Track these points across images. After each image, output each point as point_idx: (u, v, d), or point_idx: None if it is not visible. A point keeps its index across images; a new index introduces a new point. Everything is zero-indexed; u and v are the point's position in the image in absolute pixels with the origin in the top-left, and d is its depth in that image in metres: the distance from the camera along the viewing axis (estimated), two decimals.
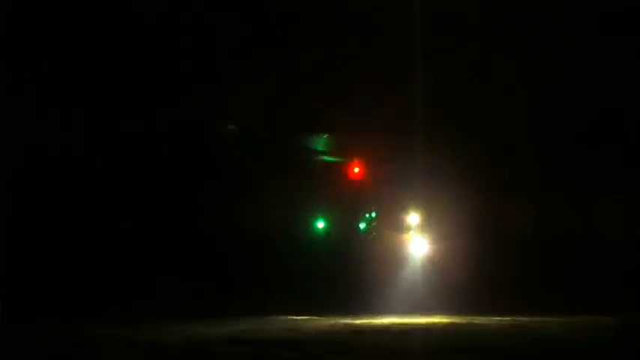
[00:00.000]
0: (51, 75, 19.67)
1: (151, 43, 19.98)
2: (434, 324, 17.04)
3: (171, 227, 20.48)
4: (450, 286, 20.35)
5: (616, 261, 20.67)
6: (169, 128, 20.53)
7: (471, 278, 20.08)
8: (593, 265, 20.66)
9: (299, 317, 18.35)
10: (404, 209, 21.56)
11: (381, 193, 21.72)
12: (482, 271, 20.30)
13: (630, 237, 20.97)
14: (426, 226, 21.46)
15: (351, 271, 20.76)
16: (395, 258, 21.38)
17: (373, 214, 21.78)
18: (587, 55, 20.12)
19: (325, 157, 21.70)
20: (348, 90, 20.71)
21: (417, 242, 21.60)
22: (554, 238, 21.37)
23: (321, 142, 21.67)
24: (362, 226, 21.74)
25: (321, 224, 21.48)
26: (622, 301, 19.11)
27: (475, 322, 17.23)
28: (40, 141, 19.61)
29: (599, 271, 20.52)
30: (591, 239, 21.17)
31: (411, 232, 21.57)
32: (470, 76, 20.36)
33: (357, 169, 21.63)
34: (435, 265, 21.11)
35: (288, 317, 18.18)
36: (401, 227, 21.59)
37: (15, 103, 19.06)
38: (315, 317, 18.46)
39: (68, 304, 18.27)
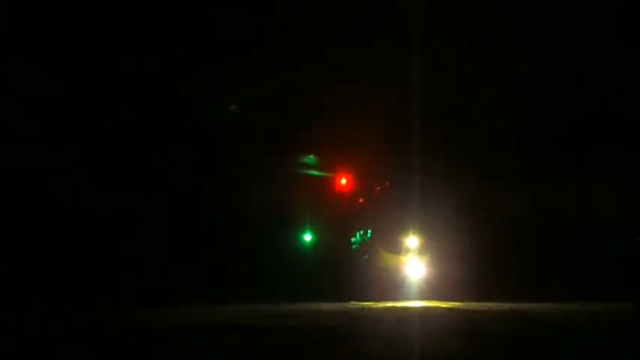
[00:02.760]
0: (52, 64, 19.85)
1: (153, 29, 20.13)
2: (431, 309, 17.11)
3: (170, 213, 20.61)
4: (448, 273, 20.38)
5: (613, 247, 20.75)
6: (169, 113, 20.66)
7: (468, 266, 20.11)
8: (591, 251, 20.72)
9: (296, 304, 18.41)
10: (403, 231, 21.48)
11: (378, 213, 21.71)
12: (480, 258, 20.34)
13: (627, 222, 21.05)
14: (425, 247, 21.35)
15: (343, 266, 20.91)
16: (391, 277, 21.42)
17: (369, 234, 21.75)
18: (581, 44, 20.23)
19: (313, 172, 21.80)
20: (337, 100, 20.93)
21: (414, 263, 21.47)
22: (551, 226, 21.42)
23: (309, 159, 21.78)
24: (353, 240, 21.73)
25: (308, 237, 21.52)
26: (619, 287, 19.20)
27: (472, 308, 17.28)
28: (42, 130, 19.79)
29: (597, 257, 20.59)
30: (589, 225, 21.23)
31: (409, 255, 21.47)
32: (462, 65, 20.44)
33: (344, 181, 21.68)
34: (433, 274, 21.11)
35: (286, 304, 18.23)
36: (398, 249, 21.47)
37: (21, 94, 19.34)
38: (313, 303, 18.50)
39: (69, 290, 18.41)
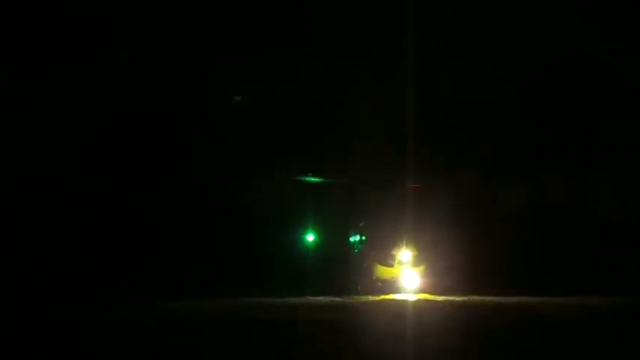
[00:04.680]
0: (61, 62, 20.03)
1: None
2: (430, 303, 16.98)
3: (173, 208, 20.66)
4: (448, 267, 20.22)
5: (613, 240, 20.72)
6: (175, 107, 20.82)
7: (468, 260, 20.00)
8: (591, 247, 20.65)
9: (296, 298, 18.22)
10: (396, 243, 21.32)
11: (371, 223, 21.68)
12: (479, 252, 20.26)
13: (626, 216, 21.06)
14: (419, 259, 21.12)
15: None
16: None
17: (363, 238, 21.68)
18: (582, 35, 20.36)
19: (312, 178, 21.91)
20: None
21: (409, 275, 21.26)
22: (550, 219, 21.38)
23: (309, 178, 21.93)
24: (352, 240, 21.69)
25: (310, 237, 21.48)
26: (620, 281, 19.16)
27: (471, 302, 17.12)
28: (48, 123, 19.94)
29: (597, 252, 20.52)
30: (588, 220, 21.21)
31: (403, 267, 21.27)
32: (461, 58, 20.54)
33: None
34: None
35: (282, 298, 18.06)
36: (391, 262, 21.27)
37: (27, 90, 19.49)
38: (312, 297, 18.27)
39: (67, 281, 18.31)
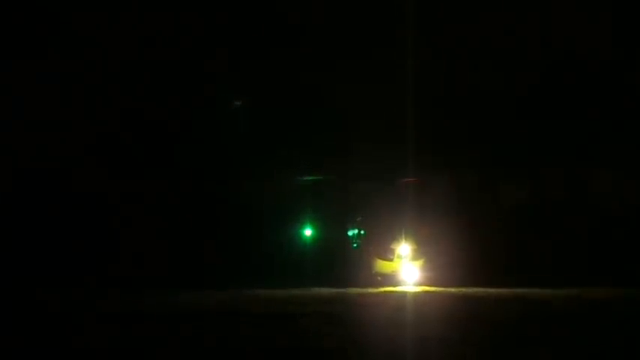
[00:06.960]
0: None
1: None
2: (430, 295, 16.98)
3: (175, 203, 20.78)
4: (448, 261, 20.22)
5: (611, 234, 20.74)
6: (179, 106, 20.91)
7: (468, 253, 19.99)
8: (591, 239, 20.66)
9: (295, 290, 18.21)
10: (394, 237, 21.29)
11: (370, 218, 21.69)
12: (480, 246, 20.26)
13: (626, 210, 21.07)
14: (419, 253, 21.10)
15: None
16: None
17: (362, 232, 21.71)
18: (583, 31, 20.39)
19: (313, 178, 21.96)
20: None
21: (408, 268, 21.23)
22: (550, 213, 21.41)
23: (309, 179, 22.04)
24: (350, 234, 21.74)
25: (308, 231, 21.51)
26: (620, 273, 19.17)
27: (471, 293, 17.10)
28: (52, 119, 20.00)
29: (597, 244, 20.54)
30: (588, 213, 21.23)
31: (402, 261, 21.25)
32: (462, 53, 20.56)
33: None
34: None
35: (283, 290, 18.06)
36: (390, 256, 21.25)
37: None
38: (312, 289, 18.26)
39: (66, 273, 18.33)
